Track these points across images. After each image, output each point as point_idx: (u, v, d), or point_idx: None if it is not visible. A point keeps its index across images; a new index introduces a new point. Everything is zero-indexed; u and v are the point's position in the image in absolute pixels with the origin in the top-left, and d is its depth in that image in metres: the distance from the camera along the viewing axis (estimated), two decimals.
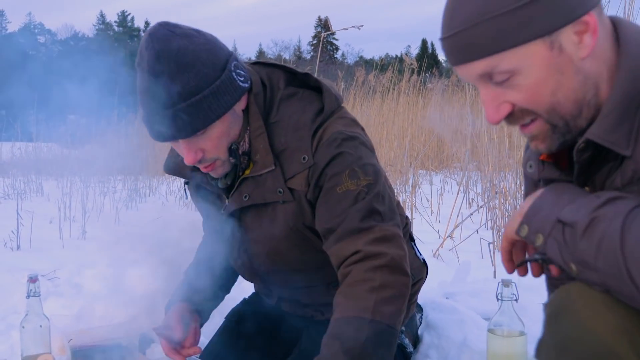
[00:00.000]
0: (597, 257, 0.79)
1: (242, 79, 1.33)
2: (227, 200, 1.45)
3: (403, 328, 1.71)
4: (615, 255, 0.77)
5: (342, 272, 1.32)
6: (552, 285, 1.11)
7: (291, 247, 1.43)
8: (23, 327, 1.59)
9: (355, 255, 1.29)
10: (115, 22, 54.13)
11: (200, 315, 1.58)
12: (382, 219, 1.32)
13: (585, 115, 0.90)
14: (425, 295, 2.03)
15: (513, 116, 0.92)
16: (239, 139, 1.36)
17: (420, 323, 1.85)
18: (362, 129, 1.45)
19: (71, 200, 4.65)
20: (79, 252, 3.23)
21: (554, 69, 0.87)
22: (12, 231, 3.66)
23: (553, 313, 0.87)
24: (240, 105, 1.34)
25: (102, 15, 54.71)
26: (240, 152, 1.37)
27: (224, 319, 1.75)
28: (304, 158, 1.33)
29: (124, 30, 51.56)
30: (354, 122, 1.43)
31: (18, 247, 3.66)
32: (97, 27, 52.77)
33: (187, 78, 1.24)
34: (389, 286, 1.26)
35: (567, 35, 0.86)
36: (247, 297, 1.81)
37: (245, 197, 1.40)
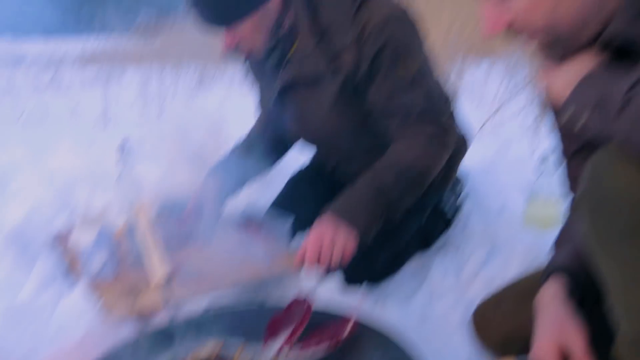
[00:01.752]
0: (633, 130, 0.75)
1: None
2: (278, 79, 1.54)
3: (444, 197, 1.77)
4: None
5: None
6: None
7: (337, 121, 1.51)
8: (116, 188, 1.73)
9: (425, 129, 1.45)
10: None
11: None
12: (437, 103, 1.45)
13: (589, 29, 0.87)
14: (466, 168, 2.13)
15: (512, 31, 0.93)
16: (281, 18, 1.42)
17: (461, 193, 1.91)
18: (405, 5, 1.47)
19: (149, 85, 4.93)
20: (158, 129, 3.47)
21: None
22: (99, 111, 3.97)
23: (593, 171, 0.83)
24: None
25: None
26: (282, 30, 1.43)
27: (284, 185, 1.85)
28: (348, 35, 1.39)
29: None
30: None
31: (106, 126, 4.00)
32: None
33: None
34: (448, 147, 1.48)
35: None
36: (305, 164, 1.91)
37: (291, 73, 1.47)
